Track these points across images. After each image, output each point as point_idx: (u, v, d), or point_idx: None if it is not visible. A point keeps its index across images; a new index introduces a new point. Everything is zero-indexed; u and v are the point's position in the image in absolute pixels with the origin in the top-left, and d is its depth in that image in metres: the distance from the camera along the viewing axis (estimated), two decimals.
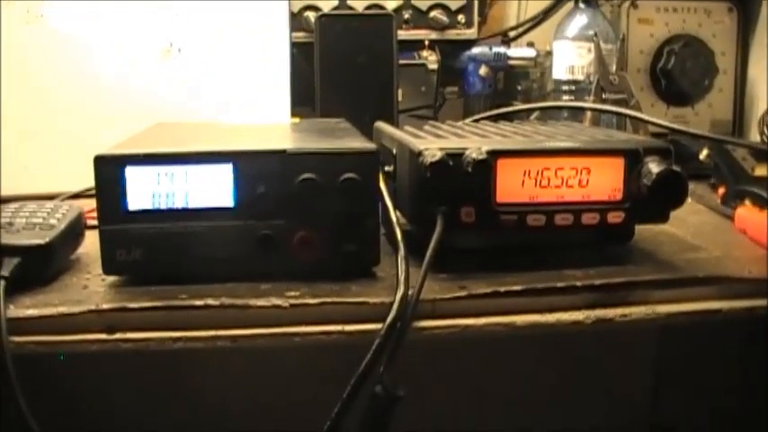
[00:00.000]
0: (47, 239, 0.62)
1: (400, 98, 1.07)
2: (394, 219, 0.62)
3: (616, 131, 0.76)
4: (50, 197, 0.87)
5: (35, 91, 0.98)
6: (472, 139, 0.67)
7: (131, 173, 0.59)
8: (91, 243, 0.63)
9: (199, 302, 0.56)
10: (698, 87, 1.13)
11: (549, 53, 1.14)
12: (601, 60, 1.03)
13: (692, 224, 0.81)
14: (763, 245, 0.72)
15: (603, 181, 0.64)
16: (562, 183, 0.63)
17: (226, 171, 0.59)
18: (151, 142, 0.67)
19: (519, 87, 1.20)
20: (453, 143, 0.64)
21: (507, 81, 1.21)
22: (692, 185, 0.96)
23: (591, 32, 1.06)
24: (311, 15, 1.09)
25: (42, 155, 0.96)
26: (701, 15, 1.14)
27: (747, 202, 0.85)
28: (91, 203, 0.62)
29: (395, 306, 0.54)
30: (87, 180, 0.59)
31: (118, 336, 0.56)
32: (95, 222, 0.60)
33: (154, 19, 1.01)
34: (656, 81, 1.13)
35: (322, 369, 0.56)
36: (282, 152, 0.59)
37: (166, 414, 0.60)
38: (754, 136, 1.11)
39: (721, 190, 0.90)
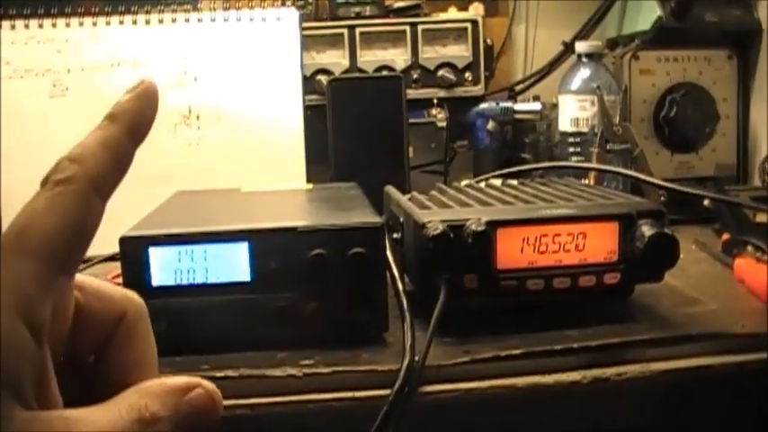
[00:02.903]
0: None
1: (412, 155, 1.11)
2: (400, 288, 0.65)
3: (615, 192, 0.79)
4: (83, 260, 0.92)
5: None
6: (474, 207, 0.71)
7: (154, 252, 0.63)
8: None
9: (219, 374, 0.60)
10: (700, 134, 1.16)
11: (555, 105, 1.17)
12: (604, 112, 1.05)
13: (692, 274, 0.83)
14: (760, 296, 0.75)
15: (599, 244, 0.67)
16: (560, 248, 0.67)
17: (242, 249, 0.63)
18: (172, 219, 0.72)
19: (526, 140, 1.23)
20: (455, 214, 0.68)
21: (515, 133, 1.25)
22: (696, 231, 1.00)
23: (594, 85, 1.09)
24: (323, 79, 1.14)
25: None
26: (702, 63, 1.17)
27: (750, 248, 0.88)
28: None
29: (401, 373, 0.57)
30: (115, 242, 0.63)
31: None
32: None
33: (173, 87, 1.06)
34: (660, 129, 1.16)
35: None
36: (294, 229, 0.63)
37: None
38: (758, 179, 1.14)
39: (725, 236, 0.93)
